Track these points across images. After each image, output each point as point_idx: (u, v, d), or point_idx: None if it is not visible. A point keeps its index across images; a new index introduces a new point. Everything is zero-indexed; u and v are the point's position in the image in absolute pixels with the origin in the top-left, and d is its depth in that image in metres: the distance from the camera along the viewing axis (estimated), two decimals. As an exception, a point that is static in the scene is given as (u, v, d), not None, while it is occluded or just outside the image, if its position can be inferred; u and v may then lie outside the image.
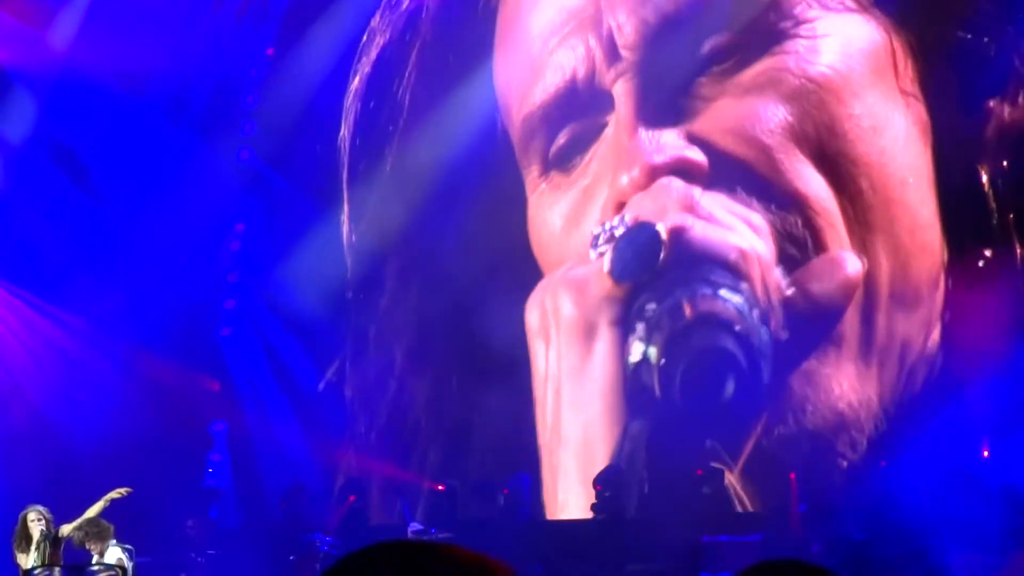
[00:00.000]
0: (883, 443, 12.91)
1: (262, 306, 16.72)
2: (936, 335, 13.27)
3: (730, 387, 13.33)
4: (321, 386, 15.98)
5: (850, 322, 13.35)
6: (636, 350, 13.65)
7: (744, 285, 13.34)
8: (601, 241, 13.89)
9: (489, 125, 15.27)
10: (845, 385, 13.30)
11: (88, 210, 15.80)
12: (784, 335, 13.28)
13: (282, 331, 16.57)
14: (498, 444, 14.92)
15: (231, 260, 16.77)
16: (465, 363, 15.04)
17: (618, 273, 13.74)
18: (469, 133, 15.13)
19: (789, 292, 13.35)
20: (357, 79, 15.83)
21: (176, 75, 16.02)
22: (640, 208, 13.79)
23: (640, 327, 13.63)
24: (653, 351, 13.53)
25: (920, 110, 13.47)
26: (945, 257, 13.31)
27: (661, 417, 13.57)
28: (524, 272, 14.79)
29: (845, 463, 13.20)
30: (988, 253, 13.17)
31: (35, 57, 15.71)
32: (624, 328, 13.73)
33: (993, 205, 13.18)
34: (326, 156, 16.08)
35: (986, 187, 13.17)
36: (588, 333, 13.90)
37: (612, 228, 13.85)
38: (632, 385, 13.70)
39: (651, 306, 13.58)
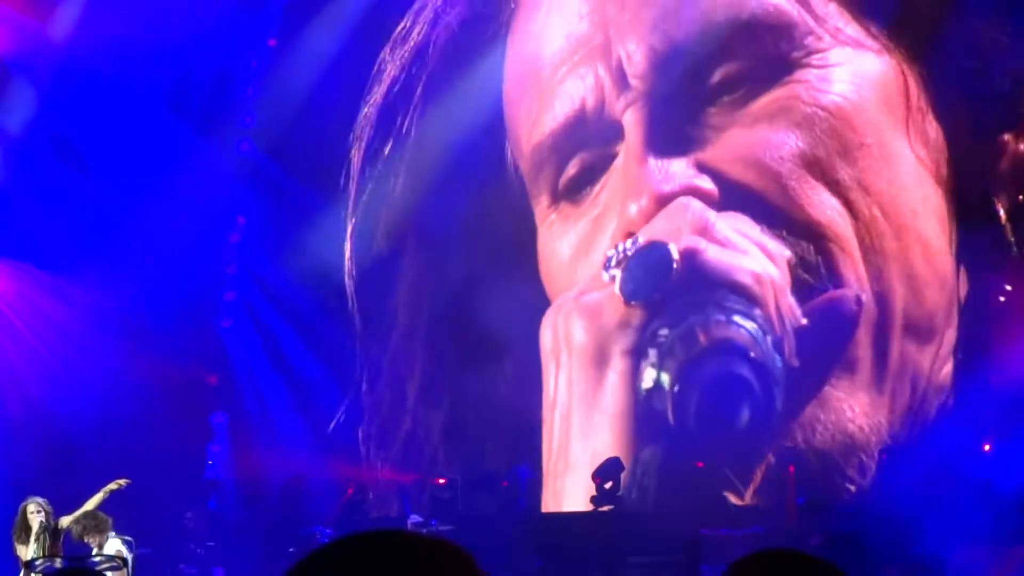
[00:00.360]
0: (892, 468, 12.82)
1: (262, 298, 16.72)
2: (949, 367, 13.18)
3: (745, 414, 13.27)
4: (331, 427, 15.94)
5: (863, 348, 13.29)
6: (648, 376, 13.57)
7: (757, 311, 13.26)
8: (613, 263, 13.83)
9: (498, 156, 15.22)
10: (857, 409, 13.25)
11: (88, 202, 15.77)
12: (796, 362, 13.21)
13: (282, 323, 16.57)
14: (499, 436, 14.90)
15: (231, 252, 16.76)
16: (473, 359, 14.96)
17: (629, 292, 13.68)
18: (476, 165, 15.08)
19: (804, 321, 13.27)
20: (367, 109, 15.77)
21: (177, 66, 15.98)
22: (655, 229, 13.73)
23: (653, 353, 13.55)
24: (666, 377, 13.46)
25: (934, 140, 13.38)
26: (964, 290, 13.21)
27: (673, 444, 13.51)
28: (531, 278, 14.81)
29: (853, 487, 13.14)
30: (1008, 287, 13.11)
31: (36, 48, 15.69)
32: (636, 357, 13.67)
33: (1012, 239, 13.11)
34: (327, 149, 16.06)
35: (1003, 220, 13.11)
36: (600, 360, 13.82)
37: (625, 249, 13.79)
38: (644, 411, 13.63)
39: (664, 332, 13.51)
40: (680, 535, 12.52)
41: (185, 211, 15.58)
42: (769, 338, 13.24)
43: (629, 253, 13.75)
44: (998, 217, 13.14)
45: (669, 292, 13.54)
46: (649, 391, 13.58)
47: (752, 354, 13.21)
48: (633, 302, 13.68)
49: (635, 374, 13.67)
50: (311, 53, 15.95)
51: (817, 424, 13.29)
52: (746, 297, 13.32)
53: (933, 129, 13.41)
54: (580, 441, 14.08)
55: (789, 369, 13.27)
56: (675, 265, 13.47)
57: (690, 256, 13.46)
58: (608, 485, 13.35)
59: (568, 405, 14.14)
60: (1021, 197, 13.17)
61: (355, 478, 15.52)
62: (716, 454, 13.38)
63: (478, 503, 14.54)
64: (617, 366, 13.73)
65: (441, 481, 14.75)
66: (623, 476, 13.48)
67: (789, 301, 13.34)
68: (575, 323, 14.00)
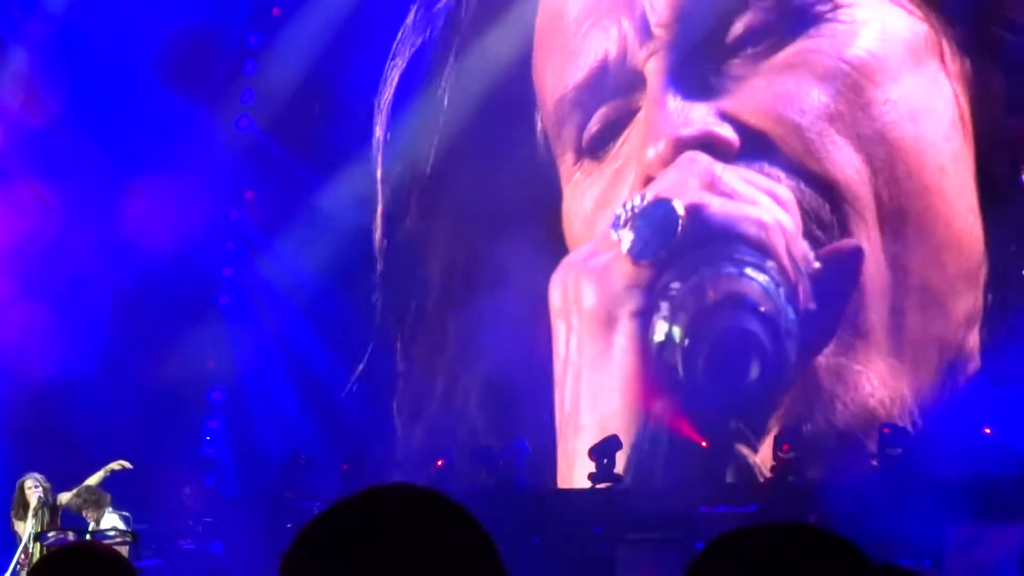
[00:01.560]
0: (918, 442, 12.69)
1: (261, 274, 16.69)
2: (976, 336, 13.07)
3: (755, 370, 13.25)
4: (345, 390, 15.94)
5: (876, 312, 13.21)
6: (660, 329, 13.58)
7: (769, 262, 13.22)
8: (622, 222, 13.80)
9: (529, 122, 15.21)
10: (876, 382, 13.15)
11: (84, 176, 15.70)
12: (812, 305, 13.16)
13: (281, 299, 16.55)
14: (502, 410, 14.87)
15: (230, 228, 16.73)
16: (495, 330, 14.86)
17: (637, 252, 13.66)
18: (509, 132, 15.03)
19: (817, 265, 13.23)
20: (392, 75, 15.72)
21: (176, 38, 15.89)
22: (662, 184, 13.69)
23: (664, 306, 13.55)
24: (677, 331, 13.48)
25: (966, 104, 13.26)
26: (988, 260, 13.09)
27: (685, 397, 13.50)
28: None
29: (876, 462, 12.94)
30: None
31: (32, 18, 15.63)
32: (644, 318, 13.66)
33: None
34: (329, 124, 16.02)
35: None
36: (609, 324, 13.83)
37: (633, 207, 13.78)
38: (656, 364, 13.63)
39: (675, 285, 13.52)
40: (678, 512, 12.53)
41: (184, 186, 15.53)
42: (782, 290, 13.21)
43: (638, 212, 13.74)
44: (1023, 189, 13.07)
45: (678, 248, 13.51)
46: (661, 344, 13.60)
47: (763, 309, 13.19)
48: (641, 261, 13.68)
49: (643, 336, 13.67)
50: (316, 23, 15.87)
51: (836, 402, 13.22)
52: (757, 248, 13.28)
53: (965, 93, 13.29)
54: (589, 406, 14.10)
55: (805, 315, 13.22)
56: (681, 222, 13.45)
57: (696, 211, 13.43)
58: (605, 462, 13.36)
59: (579, 367, 14.17)
60: None
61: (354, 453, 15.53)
62: (728, 407, 13.34)
63: (475, 479, 14.54)
64: (625, 328, 13.75)
65: (440, 463, 14.72)
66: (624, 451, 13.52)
67: (802, 246, 13.29)
68: (584, 287, 14.02)
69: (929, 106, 13.34)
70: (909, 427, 12.96)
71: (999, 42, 13.06)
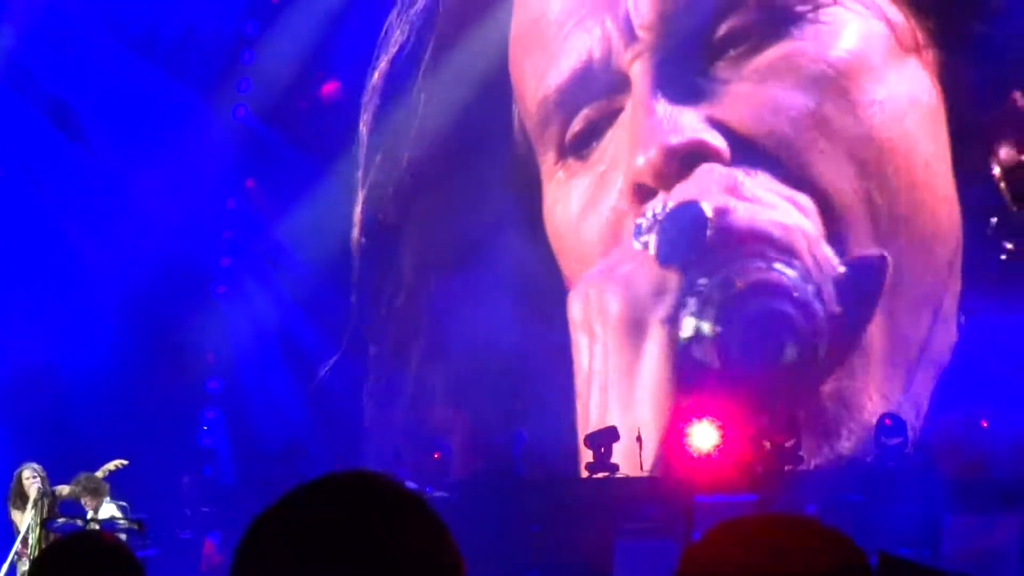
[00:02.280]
0: (919, 443, 12.75)
1: (258, 263, 16.68)
2: (954, 327, 13.10)
3: (791, 351, 13.22)
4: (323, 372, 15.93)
5: (875, 320, 13.25)
6: (687, 326, 13.54)
7: (797, 262, 13.27)
8: (644, 229, 13.78)
9: (507, 116, 15.19)
10: (876, 397, 13.20)
11: (81, 165, 15.68)
12: (838, 309, 13.17)
13: (278, 289, 16.54)
14: (498, 400, 14.86)
15: (227, 217, 16.71)
16: (475, 320, 14.86)
17: (665, 255, 13.65)
18: (486, 126, 15.03)
19: (842, 269, 13.24)
20: (375, 75, 15.73)
21: (174, 25, 15.84)
22: (683, 192, 13.69)
23: (692, 302, 13.55)
24: (706, 324, 13.45)
25: (938, 95, 13.30)
26: (962, 246, 13.15)
27: (715, 390, 13.43)
28: (537, 238, 14.74)
29: (875, 448, 12.99)
30: (1009, 246, 13.04)
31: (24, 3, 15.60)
32: (673, 325, 13.64)
33: (1008, 197, 13.06)
34: (325, 113, 16.00)
35: (998, 178, 13.06)
36: (636, 331, 13.78)
37: (655, 214, 13.76)
38: (684, 362, 13.56)
39: (703, 280, 13.53)
40: (675, 501, 12.52)
41: (181, 176, 15.50)
42: (810, 287, 13.25)
43: (660, 217, 13.72)
44: (993, 176, 13.10)
45: (704, 252, 13.49)
46: (688, 340, 13.55)
47: (795, 294, 13.23)
48: (669, 264, 13.66)
49: (673, 342, 13.63)
50: (313, 11, 15.84)
51: (841, 428, 13.23)
52: (782, 249, 13.31)
53: (938, 84, 13.33)
54: (620, 414, 14.00)
55: (830, 318, 13.22)
56: (709, 223, 13.46)
57: (722, 214, 13.46)
58: (602, 451, 13.35)
59: (605, 376, 14.12)
60: (1021, 156, 13.11)
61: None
62: (755, 402, 13.28)
63: (472, 468, 14.53)
64: (655, 336, 13.72)
65: (436, 455, 14.70)
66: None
67: (824, 251, 13.35)
68: (609, 295, 13.98)
69: (912, 102, 13.48)
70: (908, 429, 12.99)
71: (968, 32, 13.10)
